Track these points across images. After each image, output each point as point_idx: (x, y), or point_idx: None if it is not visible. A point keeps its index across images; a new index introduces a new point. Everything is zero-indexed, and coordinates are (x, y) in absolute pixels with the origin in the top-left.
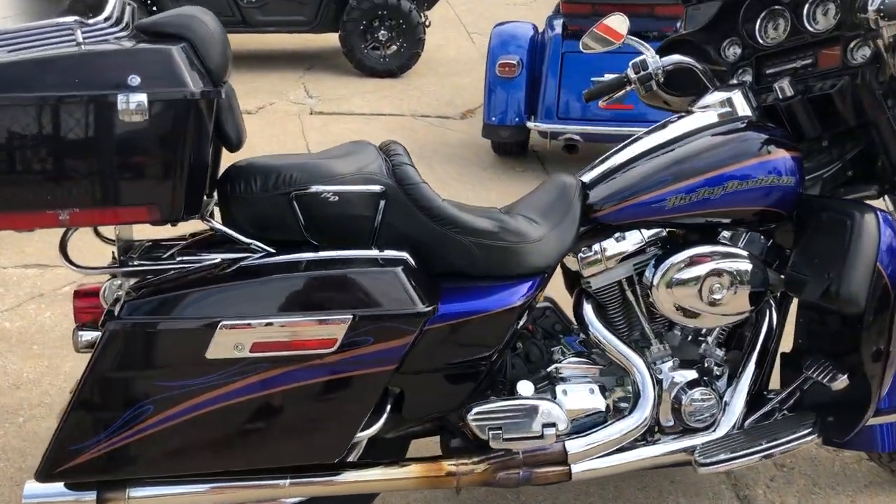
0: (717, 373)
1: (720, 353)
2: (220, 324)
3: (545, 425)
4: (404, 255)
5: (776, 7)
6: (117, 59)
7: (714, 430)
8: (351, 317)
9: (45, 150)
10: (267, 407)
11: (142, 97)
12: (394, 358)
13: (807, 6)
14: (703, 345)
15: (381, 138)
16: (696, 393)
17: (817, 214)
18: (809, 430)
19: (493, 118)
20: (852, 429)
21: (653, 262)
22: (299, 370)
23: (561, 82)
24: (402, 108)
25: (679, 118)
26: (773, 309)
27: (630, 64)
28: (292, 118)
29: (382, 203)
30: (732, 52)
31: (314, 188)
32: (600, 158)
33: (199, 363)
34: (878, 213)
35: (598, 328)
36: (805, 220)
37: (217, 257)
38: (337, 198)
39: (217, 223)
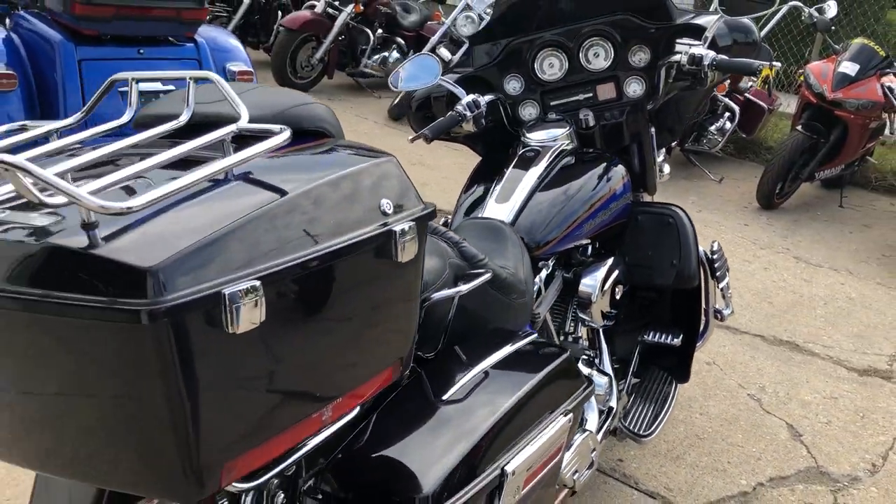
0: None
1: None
2: (509, 472)
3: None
4: (530, 331)
5: (554, 50)
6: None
7: (610, 409)
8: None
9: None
10: None
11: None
12: None
13: (581, 51)
14: (579, 339)
15: None
16: (603, 380)
17: (637, 218)
18: (670, 384)
19: None
20: (688, 367)
21: (581, 280)
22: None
23: (84, 96)
24: None
25: (535, 152)
26: None
27: (464, 104)
28: None
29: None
30: (512, 86)
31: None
32: (487, 198)
33: None
34: (681, 209)
35: None
36: (627, 223)
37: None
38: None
39: None
